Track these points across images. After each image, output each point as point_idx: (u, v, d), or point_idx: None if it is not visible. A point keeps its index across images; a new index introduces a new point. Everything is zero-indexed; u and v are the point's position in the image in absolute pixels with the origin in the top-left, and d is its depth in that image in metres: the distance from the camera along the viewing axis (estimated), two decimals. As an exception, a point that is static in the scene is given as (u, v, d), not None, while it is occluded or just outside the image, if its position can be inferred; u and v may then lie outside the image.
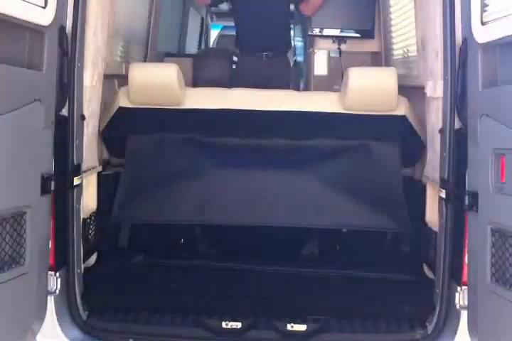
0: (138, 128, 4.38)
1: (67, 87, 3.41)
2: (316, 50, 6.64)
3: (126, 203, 4.34)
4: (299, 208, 4.27)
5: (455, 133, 3.38)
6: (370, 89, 4.17)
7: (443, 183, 3.46)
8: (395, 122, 4.25)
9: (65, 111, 3.46)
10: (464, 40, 3.26)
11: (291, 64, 7.27)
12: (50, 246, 3.36)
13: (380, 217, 4.23)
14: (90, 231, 3.99)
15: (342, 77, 6.31)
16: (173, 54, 7.08)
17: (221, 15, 10.16)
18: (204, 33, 9.81)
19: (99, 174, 4.14)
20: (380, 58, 6.15)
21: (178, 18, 8.02)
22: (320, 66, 6.68)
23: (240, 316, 3.60)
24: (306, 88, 6.97)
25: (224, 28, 11.11)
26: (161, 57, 6.60)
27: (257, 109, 4.27)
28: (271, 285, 3.94)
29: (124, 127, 4.36)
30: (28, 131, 2.99)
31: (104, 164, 4.37)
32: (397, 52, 5.65)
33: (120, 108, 4.28)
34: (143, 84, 4.21)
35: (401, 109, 4.26)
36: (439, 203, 3.54)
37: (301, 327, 3.54)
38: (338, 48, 6.35)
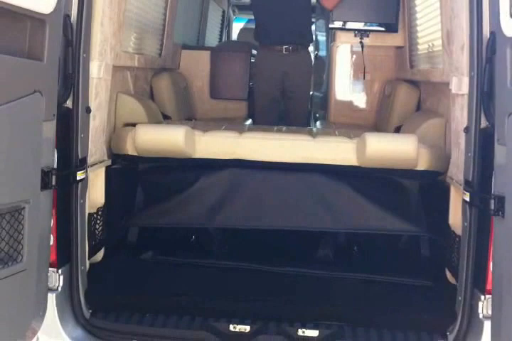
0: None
1: (71, 78, 3.28)
2: (338, 44, 6.48)
3: (137, 209, 4.35)
4: (314, 211, 4.13)
5: (481, 133, 3.21)
6: (389, 158, 4.02)
7: (467, 185, 3.30)
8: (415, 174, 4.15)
9: (69, 103, 3.33)
10: (492, 34, 3.09)
11: (313, 58, 7.09)
12: (51, 242, 3.23)
13: (395, 219, 4.10)
14: (97, 227, 3.87)
15: (364, 72, 6.23)
16: (190, 46, 6.93)
17: (243, 8, 10.02)
18: (225, 26, 9.67)
19: (108, 168, 4.01)
20: (404, 52, 5.96)
21: (197, 10, 7.87)
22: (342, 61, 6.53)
23: (248, 319, 3.46)
24: (328, 87, 6.79)
25: (249, 21, 10.98)
26: (178, 49, 6.46)
27: (268, 159, 4.12)
28: (283, 287, 3.79)
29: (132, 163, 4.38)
30: (27, 123, 2.85)
31: (114, 158, 4.24)
32: (422, 47, 5.47)
33: (127, 155, 4.23)
34: (150, 146, 4.13)
35: (422, 164, 4.07)
36: (462, 206, 3.38)
37: (313, 333, 3.38)
38: (361, 42, 6.19)
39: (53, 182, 3.08)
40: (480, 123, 3.21)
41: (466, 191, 3.29)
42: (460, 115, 3.55)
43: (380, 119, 6.11)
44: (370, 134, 4.10)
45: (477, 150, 3.22)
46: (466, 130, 3.33)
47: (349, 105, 6.52)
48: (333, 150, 4.12)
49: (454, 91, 3.66)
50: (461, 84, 3.50)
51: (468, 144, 3.30)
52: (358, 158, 4.05)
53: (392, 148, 4.03)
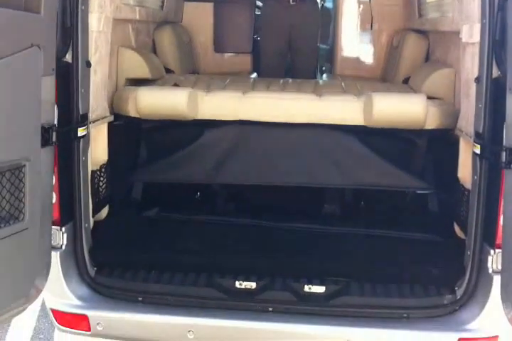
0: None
1: (70, 31, 3.19)
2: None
3: (140, 164, 4.29)
4: (321, 167, 4.06)
5: (492, 82, 3.12)
6: (396, 118, 3.90)
7: (477, 137, 3.22)
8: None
9: (68, 58, 3.25)
10: (505, -22, 2.96)
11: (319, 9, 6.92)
12: (54, 200, 3.19)
13: (402, 175, 4.03)
14: (101, 184, 3.83)
15: (371, 22, 6.08)
16: (193, -2, 6.76)
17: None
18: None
19: (110, 124, 3.94)
20: (412, 1, 5.80)
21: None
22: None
23: (254, 276, 3.44)
24: (334, 39, 6.63)
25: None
26: (181, 1, 6.29)
27: (272, 120, 3.99)
28: (289, 243, 3.76)
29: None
30: (25, 79, 2.78)
31: (117, 115, 4.16)
32: (431, -5, 5.32)
33: (128, 116, 4.13)
34: (152, 110, 4.03)
35: (431, 123, 3.94)
36: (472, 159, 3.30)
37: (320, 289, 3.36)
38: (368, -9, 6.03)
39: (54, 139, 3.03)
40: (491, 73, 3.12)
41: (477, 143, 3.22)
42: (471, 64, 3.46)
43: (387, 71, 5.99)
44: (377, 94, 3.99)
45: (488, 100, 3.13)
46: (477, 80, 3.23)
47: (356, 57, 6.39)
48: (339, 110, 4.00)
49: (464, 39, 3.57)
50: (472, 33, 3.40)
51: (478, 94, 3.21)
52: (365, 118, 3.95)
53: (400, 109, 3.92)
